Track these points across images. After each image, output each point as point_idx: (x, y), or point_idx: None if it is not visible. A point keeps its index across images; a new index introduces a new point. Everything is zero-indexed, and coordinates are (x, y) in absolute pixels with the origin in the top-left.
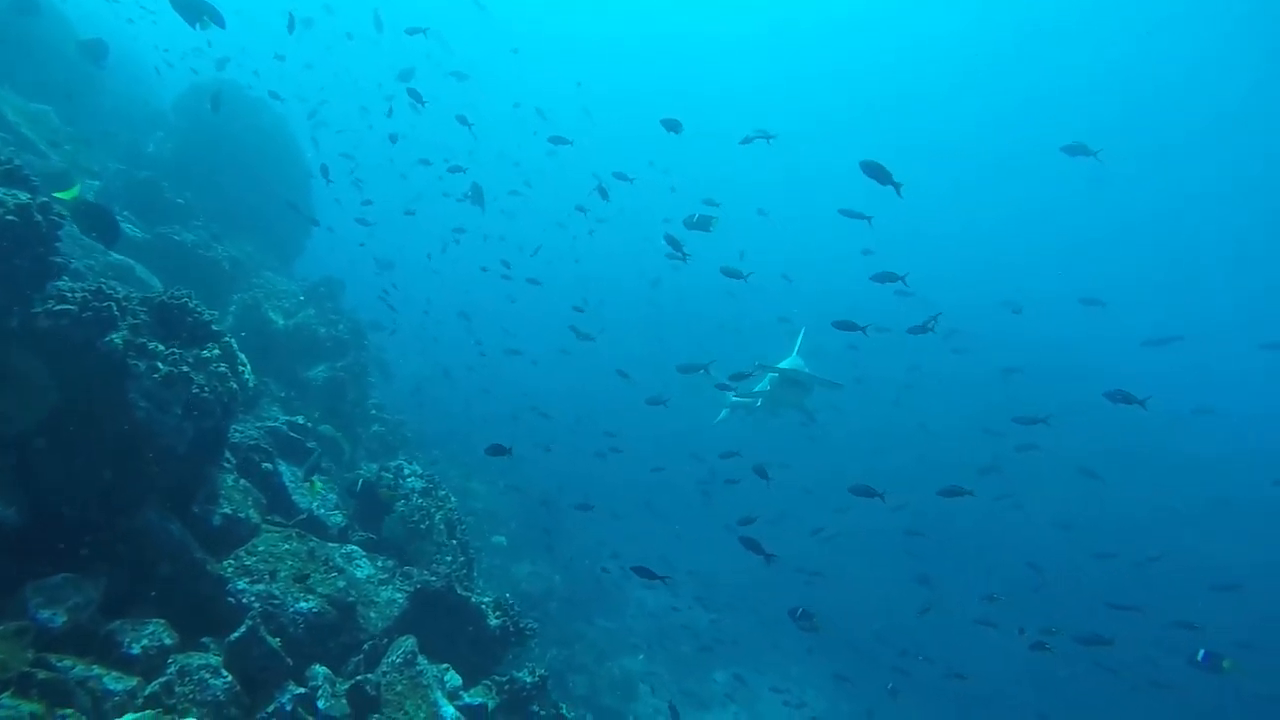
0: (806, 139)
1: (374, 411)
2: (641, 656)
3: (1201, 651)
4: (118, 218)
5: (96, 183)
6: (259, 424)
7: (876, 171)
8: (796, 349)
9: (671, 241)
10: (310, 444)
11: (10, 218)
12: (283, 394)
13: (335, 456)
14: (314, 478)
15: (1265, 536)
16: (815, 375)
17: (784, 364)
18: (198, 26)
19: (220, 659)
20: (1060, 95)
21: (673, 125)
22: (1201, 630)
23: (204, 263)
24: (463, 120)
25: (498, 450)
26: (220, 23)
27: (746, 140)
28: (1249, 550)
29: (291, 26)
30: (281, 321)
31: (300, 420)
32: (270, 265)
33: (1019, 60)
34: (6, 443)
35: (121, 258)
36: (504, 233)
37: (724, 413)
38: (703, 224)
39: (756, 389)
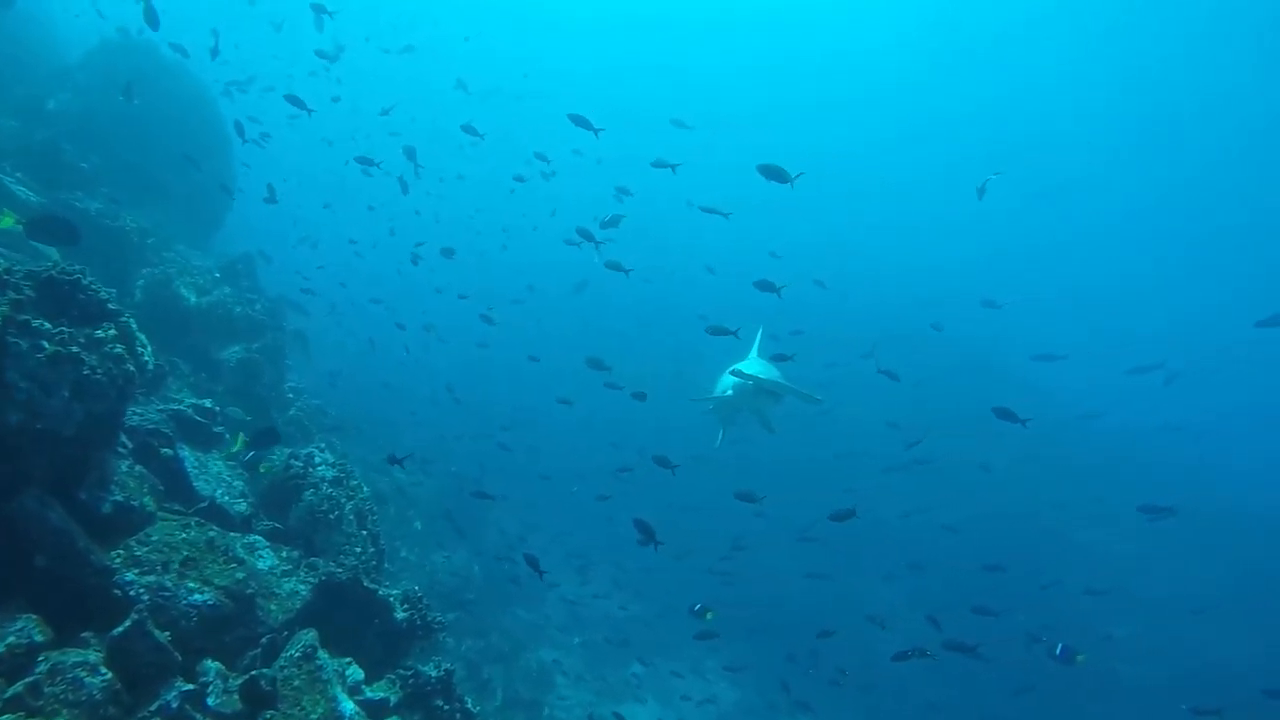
0: (759, 127)
1: (290, 395)
2: (578, 640)
3: (1059, 646)
4: (6, 178)
5: None
6: (163, 406)
7: (773, 173)
8: (755, 350)
9: (583, 233)
10: (217, 428)
11: None
12: (193, 375)
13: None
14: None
15: (1139, 540)
16: (791, 386)
17: (751, 368)
18: None
19: (101, 655)
20: (1011, 99)
21: (581, 121)
22: (1045, 642)
23: (109, 233)
24: (386, 112)
25: (393, 461)
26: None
27: (660, 164)
28: (1122, 552)
29: (215, 53)
30: (194, 299)
31: (208, 404)
32: (185, 238)
33: (979, 57)
34: None
35: (13, 224)
36: (437, 214)
37: (720, 436)
38: (613, 222)
39: (718, 392)
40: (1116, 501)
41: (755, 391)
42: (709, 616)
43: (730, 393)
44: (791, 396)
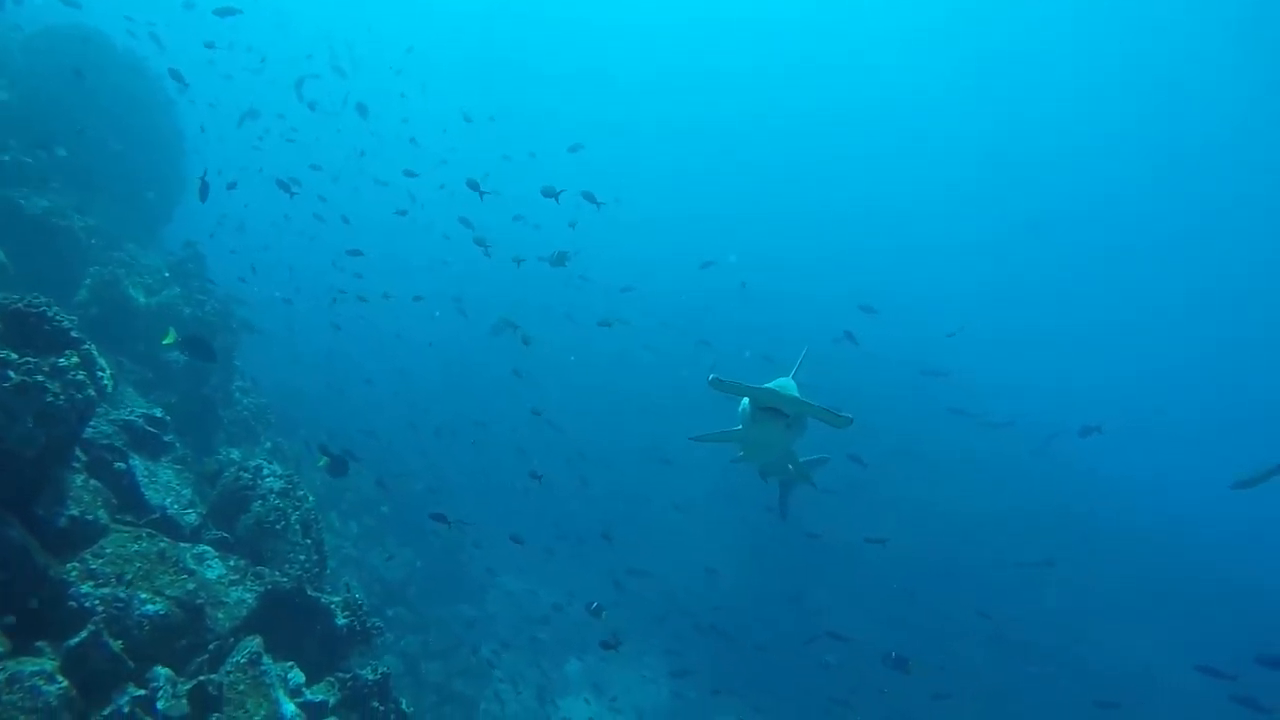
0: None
1: (238, 395)
2: (518, 636)
3: (893, 653)
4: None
5: None
6: (115, 416)
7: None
8: (793, 373)
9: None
10: (167, 437)
11: None
12: (142, 376)
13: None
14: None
15: None
16: (806, 401)
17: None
18: None
19: (56, 664)
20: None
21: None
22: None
23: (57, 232)
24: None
25: (339, 466)
26: None
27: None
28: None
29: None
30: (143, 300)
31: (158, 413)
32: (133, 235)
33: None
34: None
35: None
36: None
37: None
38: (560, 259)
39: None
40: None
41: (757, 411)
42: (604, 615)
43: (740, 425)
44: (809, 416)
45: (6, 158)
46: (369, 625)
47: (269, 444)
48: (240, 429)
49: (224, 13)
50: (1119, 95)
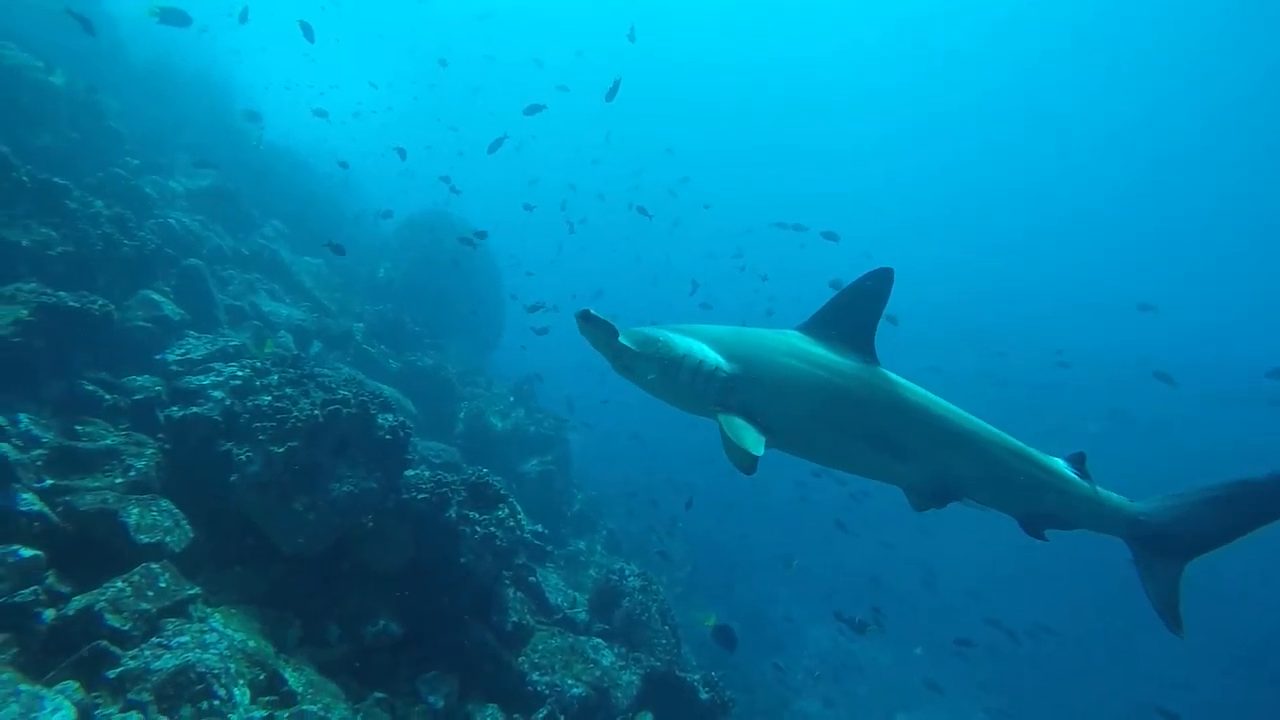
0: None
1: (575, 491)
2: (838, 690)
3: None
4: (377, 354)
5: (361, 324)
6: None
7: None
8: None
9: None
10: (549, 547)
11: (388, 436)
12: (506, 487)
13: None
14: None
15: None
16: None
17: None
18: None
19: None
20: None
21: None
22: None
23: (441, 381)
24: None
25: (726, 639)
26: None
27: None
28: None
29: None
30: (499, 424)
31: (539, 527)
32: (477, 360)
33: None
34: (386, 580)
35: (392, 391)
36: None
37: None
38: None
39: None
40: None
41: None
42: (868, 630)
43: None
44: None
45: (404, 330)
46: (726, 698)
47: (604, 531)
48: (581, 522)
49: None
50: None
